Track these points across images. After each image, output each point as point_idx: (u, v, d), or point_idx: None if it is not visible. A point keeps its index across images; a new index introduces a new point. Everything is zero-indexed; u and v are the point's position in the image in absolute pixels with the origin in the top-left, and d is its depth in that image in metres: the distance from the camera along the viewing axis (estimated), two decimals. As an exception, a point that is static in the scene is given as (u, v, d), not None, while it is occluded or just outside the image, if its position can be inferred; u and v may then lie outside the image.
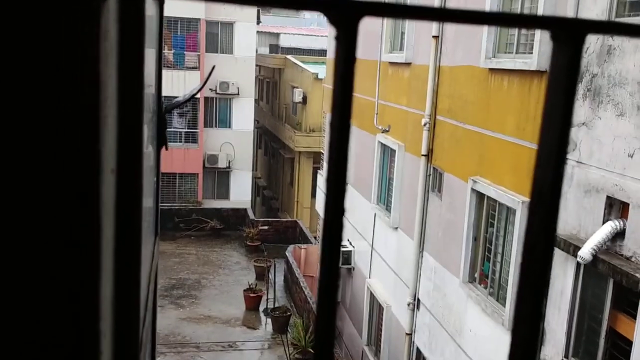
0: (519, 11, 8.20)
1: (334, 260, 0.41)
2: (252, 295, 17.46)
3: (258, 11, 27.11)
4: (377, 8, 0.27)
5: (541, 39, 7.39)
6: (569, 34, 0.32)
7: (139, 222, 0.81)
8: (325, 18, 0.29)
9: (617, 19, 6.27)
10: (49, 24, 0.47)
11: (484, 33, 8.68)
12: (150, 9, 1.23)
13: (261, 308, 17.48)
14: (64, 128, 0.50)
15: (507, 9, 8.53)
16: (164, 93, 1.95)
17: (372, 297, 13.37)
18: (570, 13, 6.84)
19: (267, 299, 17.25)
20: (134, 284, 0.80)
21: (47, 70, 0.49)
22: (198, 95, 24.60)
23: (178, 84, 23.38)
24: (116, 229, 0.64)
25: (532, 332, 0.43)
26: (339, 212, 0.38)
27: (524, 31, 8.13)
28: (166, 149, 1.63)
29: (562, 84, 0.32)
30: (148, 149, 1.28)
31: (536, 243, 0.42)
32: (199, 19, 25.24)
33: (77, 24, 0.48)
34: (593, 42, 6.49)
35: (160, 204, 2.16)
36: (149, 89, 1.26)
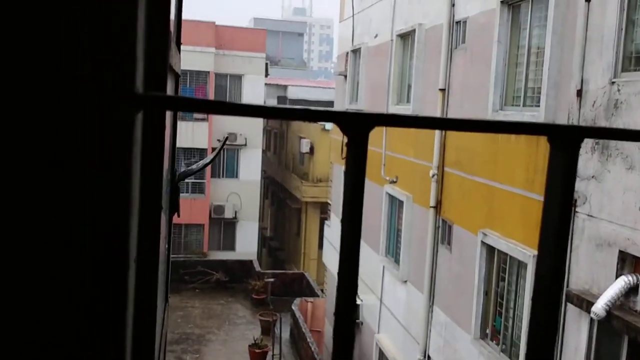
0: (525, 65, 8.31)
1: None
2: (257, 350, 17.09)
3: (266, 64, 27.64)
4: (384, 119, 0.28)
5: (547, 92, 7.46)
6: (564, 139, 0.33)
7: (154, 318, 0.82)
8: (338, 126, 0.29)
9: (623, 73, 6.33)
10: (89, 137, 0.52)
11: (491, 86, 8.78)
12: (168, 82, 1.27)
13: (267, 364, 17.14)
14: (96, 226, 0.53)
15: (513, 64, 8.65)
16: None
17: (381, 353, 13.08)
18: (575, 68, 6.92)
19: (272, 355, 16.89)
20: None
21: (86, 179, 0.53)
22: (206, 146, 24.86)
23: (186, 135, 23.68)
24: (135, 322, 0.66)
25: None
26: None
27: (530, 84, 8.23)
28: (178, 216, 1.64)
29: (559, 185, 0.32)
30: (162, 219, 1.30)
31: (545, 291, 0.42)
32: (208, 72, 25.74)
33: (114, 133, 0.51)
34: (600, 96, 6.54)
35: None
36: (164, 163, 1.29)
